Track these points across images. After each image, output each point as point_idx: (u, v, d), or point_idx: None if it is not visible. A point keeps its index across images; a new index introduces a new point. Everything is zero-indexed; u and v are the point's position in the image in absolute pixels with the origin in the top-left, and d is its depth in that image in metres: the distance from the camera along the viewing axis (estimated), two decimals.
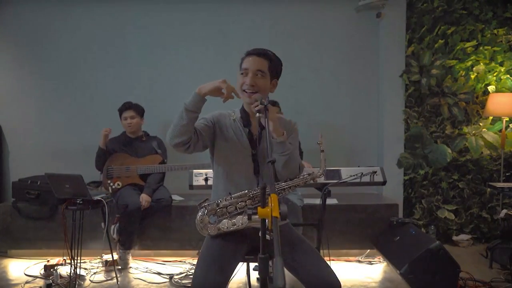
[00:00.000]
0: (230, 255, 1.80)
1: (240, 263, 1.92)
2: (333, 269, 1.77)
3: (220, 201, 1.82)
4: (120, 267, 3.30)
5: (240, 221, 1.78)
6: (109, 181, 3.46)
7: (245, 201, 1.80)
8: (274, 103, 3.43)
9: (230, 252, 1.81)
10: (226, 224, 1.80)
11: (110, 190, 3.43)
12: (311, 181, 1.96)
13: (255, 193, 1.81)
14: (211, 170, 3.07)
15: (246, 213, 1.75)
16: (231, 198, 1.81)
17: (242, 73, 1.85)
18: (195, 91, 1.74)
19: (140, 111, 3.60)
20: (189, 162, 3.40)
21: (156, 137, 3.69)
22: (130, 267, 3.34)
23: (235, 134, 1.91)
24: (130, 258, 3.38)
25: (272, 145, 1.77)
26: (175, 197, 3.68)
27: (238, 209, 1.80)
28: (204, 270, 1.71)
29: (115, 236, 3.32)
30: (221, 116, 1.95)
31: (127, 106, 3.56)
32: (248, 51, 1.88)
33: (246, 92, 1.82)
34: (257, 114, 1.68)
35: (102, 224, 3.32)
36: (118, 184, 3.42)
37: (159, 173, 3.55)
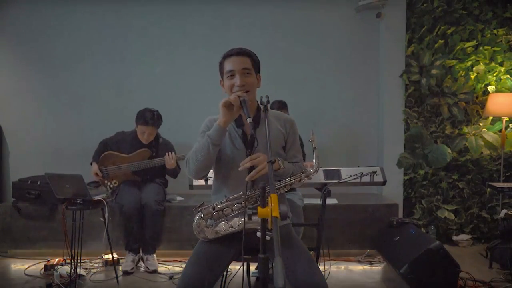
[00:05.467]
0: (220, 254, 1.82)
1: (240, 263, 1.92)
2: (322, 271, 1.75)
3: (216, 204, 1.83)
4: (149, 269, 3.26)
5: (237, 223, 1.79)
6: (106, 181, 3.44)
7: (241, 203, 1.80)
8: (284, 105, 3.41)
9: (220, 251, 1.82)
10: (223, 227, 1.80)
11: (109, 190, 3.43)
12: (306, 179, 1.94)
13: (250, 194, 1.80)
14: (211, 170, 3.10)
15: (246, 214, 1.75)
16: (226, 200, 1.82)
17: (228, 76, 1.85)
18: (217, 124, 1.78)
19: (159, 126, 3.48)
20: (179, 154, 3.39)
21: (168, 143, 3.55)
22: (155, 270, 3.26)
23: (230, 136, 1.91)
24: (156, 260, 3.34)
25: (271, 146, 1.77)
26: (175, 197, 3.68)
27: (234, 211, 1.80)
28: (192, 267, 1.76)
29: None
30: (214, 122, 1.90)
31: (150, 123, 3.35)
32: (225, 54, 1.89)
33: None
34: (248, 119, 1.66)
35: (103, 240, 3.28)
36: (115, 183, 3.42)
37: (173, 169, 3.43)
